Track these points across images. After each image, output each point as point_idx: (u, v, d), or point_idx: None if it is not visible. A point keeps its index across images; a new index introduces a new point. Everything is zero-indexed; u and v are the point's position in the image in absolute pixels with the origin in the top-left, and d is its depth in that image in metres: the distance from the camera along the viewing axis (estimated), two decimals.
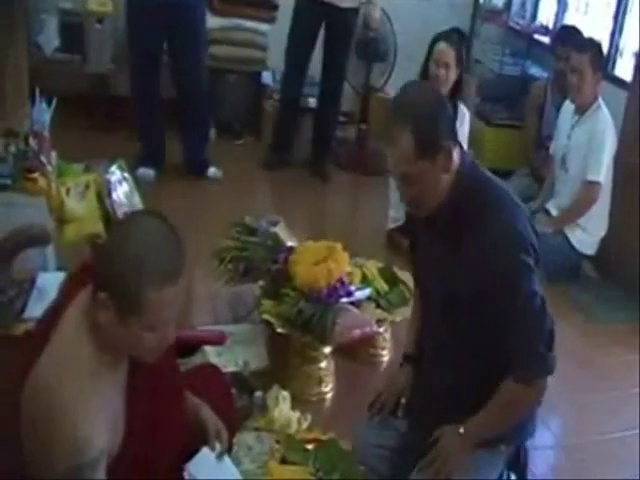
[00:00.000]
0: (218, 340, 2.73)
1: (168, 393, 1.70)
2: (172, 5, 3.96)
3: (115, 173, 2.85)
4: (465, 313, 1.75)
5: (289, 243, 2.88)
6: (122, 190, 2.86)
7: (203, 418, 1.83)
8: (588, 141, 3.69)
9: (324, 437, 2.35)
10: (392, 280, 2.93)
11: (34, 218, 2.55)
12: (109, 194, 2.78)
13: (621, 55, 4.49)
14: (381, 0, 4.61)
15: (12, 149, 2.78)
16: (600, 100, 3.72)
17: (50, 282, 2.36)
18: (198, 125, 4.39)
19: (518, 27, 5.26)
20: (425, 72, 3.58)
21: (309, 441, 2.32)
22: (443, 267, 1.80)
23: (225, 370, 2.44)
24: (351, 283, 2.73)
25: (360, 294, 2.75)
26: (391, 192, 3.72)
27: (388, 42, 4.83)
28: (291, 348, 2.73)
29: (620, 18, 4.44)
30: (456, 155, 1.73)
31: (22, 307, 2.38)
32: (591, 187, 3.70)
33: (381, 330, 2.83)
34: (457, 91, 3.58)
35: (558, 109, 4.05)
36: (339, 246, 2.75)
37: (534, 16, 5.42)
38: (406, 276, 2.85)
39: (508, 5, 5.35)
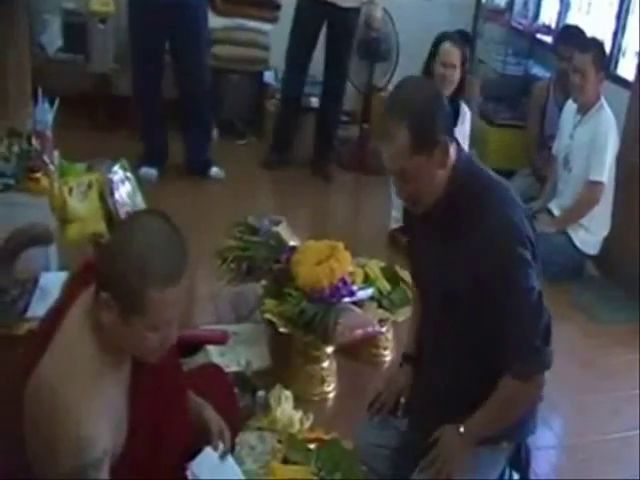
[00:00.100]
0: (221, 340, 2.73)
1: (171, 393, 1.70)
2: (174, 5, 3.97)
3: (118, 173, 2.85)
4: (463, 309, 1.75)
5: (291, 243, 2.88)
6: (124, 190, 2.86)
7: (206, 418, 1.83)
8: (591, 141, 3.68)
9: (326, 437, 2.34)
10: (394, 280, 2.93)
11: (37, 218, 2.55)
12: (111, 194, 2.78)
13: (624, 55, 4.48)
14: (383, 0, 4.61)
15: (15, 149, 2.78)
16: (603, 100, 3.72)
17: (53, 282, 2.35)
18: (200, 125, 4.38)
19: (520, 27, 5.24)
20: (428, 71, 3.57)
21: (311, 441, 2.32)
22: (440, 262, 1.79)
23: (228, 370, 2.44)
24: (353, 283, 2.72)
25: (362, 294, 2.75)
26: (393, 192, 3.71)
27: (390, 42, 4.82)
28: (293, 348, 2.73)
29: (623, 18, 4.43)
30: (452, 150, 1.72)
31: (25, 307, 2.37)
32: (594, 187, 3.69)
33: (383, 330, 2.83)
34: (460, 91, 3.59)
35: (561, 109, 4.05)
36: (341, 246, 2.75)
37: (536, 16, 5.40)
38: (408, 276, 2.84)
39: (510, 5, 5.31)
